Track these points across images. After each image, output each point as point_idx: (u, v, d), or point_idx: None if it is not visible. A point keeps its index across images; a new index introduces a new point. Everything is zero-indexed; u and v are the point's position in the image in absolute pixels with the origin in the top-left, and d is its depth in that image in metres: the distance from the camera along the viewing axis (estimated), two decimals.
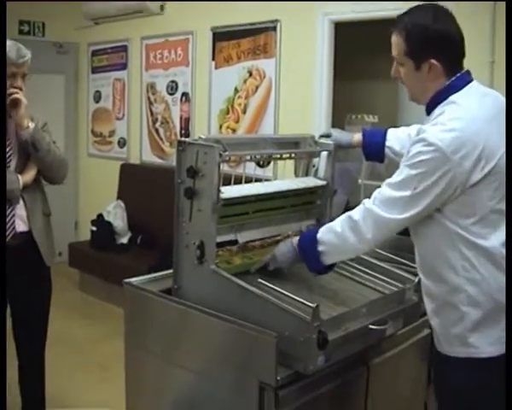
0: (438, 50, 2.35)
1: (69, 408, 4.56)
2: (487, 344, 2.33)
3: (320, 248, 2.55)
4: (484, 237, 2.31)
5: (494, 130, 2.30)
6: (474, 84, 2.42)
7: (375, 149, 3.03)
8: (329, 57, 5.86)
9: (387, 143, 2.99)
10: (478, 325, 2.33)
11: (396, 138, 2.98)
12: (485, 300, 2.31)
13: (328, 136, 3.15)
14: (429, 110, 2.43)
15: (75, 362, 5.40)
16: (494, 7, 4.64)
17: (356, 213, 2.45)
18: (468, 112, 2.30)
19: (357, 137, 3.08)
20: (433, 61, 2.34)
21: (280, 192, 2.97)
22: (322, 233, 2.56)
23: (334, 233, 2.50)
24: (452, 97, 2.35)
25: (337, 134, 3.15)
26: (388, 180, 2.40)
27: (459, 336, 2.36)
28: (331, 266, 2.70)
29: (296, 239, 2.70)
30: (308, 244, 2.60)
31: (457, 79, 2.38)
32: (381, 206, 2.37)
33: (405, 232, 2.54)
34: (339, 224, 2.50)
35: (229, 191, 2.71)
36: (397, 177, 2.36)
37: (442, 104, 2.36)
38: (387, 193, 2.37)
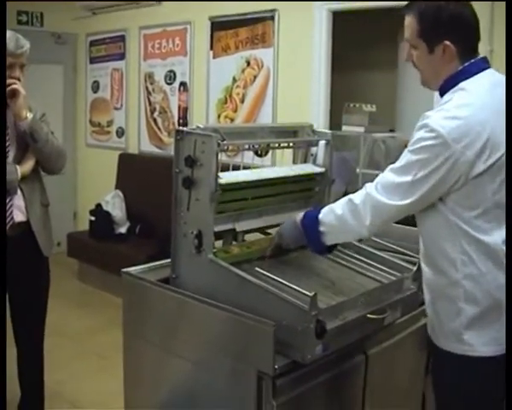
0: (452, 32, 2.29)
1: (68, 400, 4.57)
2: (481, 344, 2.30)
3: (321, 228, 2.55)
4: (487, 233, 2.26)
5: (502, 121, 2.25)
6: (488, 71, 2.36)
7: None
8: (327, 46, 5.85)
9: None
10: (473, 323, 2.29)
11: None
12: (482, 297, 2.28)
13: None
14: (441, 95, 2.38)
15: (73, 352, 5.41)
16: None
17: (357, 197, 2.43)
18: (476, 100, 2.25)
19: None
20: (448, 42, 2.29)
21: (278, 178, 2.96)
22: (324, 214, 2.55)
23: (335, 215, 2.50)
24: (462, 84, 2.30)
25: None
26: (391, 165, 2.37)
27: (454, 332, 2.33)
28: (333, 247, 2.71)
29: (300, 217, 2.69)
30: (310, 224, 2.60)
31: (471, 64, 2.33)
32: (382, 191, 2.35)
33: (410, 223, 2.52)
34: (340, 206, 2.49)
35: (228, 177, 2.71)
36: (399, 162, 2.33)
37: (452, 90, 2.32)
38: (389, 178, 2.35)
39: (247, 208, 2.89)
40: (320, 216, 2.55)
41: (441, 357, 2.43)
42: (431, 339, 2.49)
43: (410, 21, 2.37)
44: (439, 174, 2.22)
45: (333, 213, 2.51)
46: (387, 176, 2.36)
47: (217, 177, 2.58)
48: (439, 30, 2.31)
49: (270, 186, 2.94)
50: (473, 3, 2.38)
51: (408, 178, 2.28)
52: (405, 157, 2.31)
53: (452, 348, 2.35)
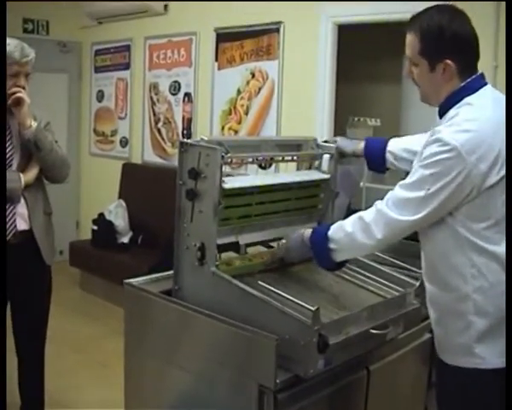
0: (453, 51, 2.31)
1: (69, 408, 4.56)
2: (493, 356, 2.29)
3: (331, 245, 2.54)
4: (496, 243, 2.27)
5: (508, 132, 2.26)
6: (488, 87, 2.39)
7: (376, 155, 2.99)
8: (332, 59, 5.85)
9: (388, 148, 2.95)
10: (484, 336, 2.29)
11: (397, 143, 2.94)
12: (493, 309, 2.28)
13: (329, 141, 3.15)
14: (443, 112, 2.40)
15: (75, 360, 5.41)
16: (498, 11, 4.64)
17: (368, 215, 2.42)
18: (484, 114, 2.27)
19: (361, 145, 3.05)
20: (449, 61, 2.31)
21: (283, 184, 2.95)
22: (333, 231, 2.54)
23: (345, 233, 2.49)
24: (467, 99, 2.32)
25: (342, 142, 3.11)
26: (402, 182, 2.37)
27: (464, 346, 2.32)
28: (342, 263, 2.69)
29: (308, 234, 2.69)
30: (319, 240, 2.59)
31: (473, 81, 2.35)
32: (393, 208, 2.34)
33: (410, 237, 2.51)
34: (350, 224, 2.48)
35: (233, 182, 2.69)
36: (410, 178, 2.33)
37: (457, 106, 2.33)
38: (400, 194, 2.34)
39: (252, 217, 2.87)
40: (329, 233, 2.55)
41: (449, 373, 2.42)
42: (437, 356, 2.48)
43: (411, 39, 2.39)
44: (452, 187, 2.22)
45: (343, 230, 2.50)
46: (398, 192, 2.36)
47: (220, 190, 2.57)
48: (440, 48, 2.33)
49: (275, 192, 2.93)
50: (477, 22, 2.40)
51: (420, 194, 2.27)
52: (417, 172, 2.30)
53: (462, 362, 2.35)
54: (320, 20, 5.83)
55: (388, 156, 2.96)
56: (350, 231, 2.47)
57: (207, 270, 2.61)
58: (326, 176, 3.11)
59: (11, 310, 3.81)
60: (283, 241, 2.90)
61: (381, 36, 6.29)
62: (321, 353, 2.33)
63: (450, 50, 2.31)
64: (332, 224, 2.61)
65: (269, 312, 2.42)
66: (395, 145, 2.94)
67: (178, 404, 2.75)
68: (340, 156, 3.11)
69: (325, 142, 3.16)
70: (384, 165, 2.99)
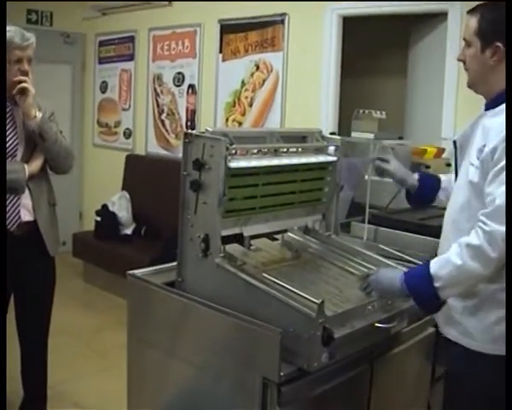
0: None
1: (71, 399, 4.56)
2: None
3: (437, 284, 2.33)
4: None
5: None
6: None
7: (429, 194, 3.02)
8: (337, 52, 5.84)
9: (442, 185, 2.97)
10: None
11: (450, 183, 2.84)
12: None
13: (385, 160, 3.13)
14: (494, 103, 2.38)
15: (77, 352, 5.40)
16: None
17: (474, 239, 2.25)
18: None
19: (415, 179, 3.05)
20: (499, 44, 2.32)
21: (290, 165, 2.91)
22: (438, 268, 2.34)
23: (454, 266, 2.29)
24: None
25: (398, 170, 3.10)
26: (494, 195, 2.25)
27: (503, 335, 2.29)
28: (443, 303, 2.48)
29: (401, 278, 2.47)
30: (421, 283, 2.39)
31: None
32: (499, 221, 2.19)
33: (416, 231, 2.45)
34: (456, 255, 2.29)
35: (238, 162, 2.65)
36: (499, 185, 2.23)
37: None
38: (501, 203, 2.21)
39: (258, 198, 2.82)
40: (433, 271, 2.34)
41: (477, 360, 2.41)
42: (459, 345, 2.47)
43: (471, 21, 2.42)
44: None
45: (450, 264, 2.30)
46: (497, 203, 2.22)
47: (225, 181, 2.56)
48: (495, 30, 2.35)
49: (281, 173, 2.89)
50: None
51: None
52: (501, 174, 2.23)
53: (499, 350, 2.33)
54: (325, 11, 5.82)
55: (441, 194, 2.96)
56: (460, 264, 2.27)
57: (211, 261, 2.59)
58: (333, 158, 3.08)
59: (14, 301, 3.81)
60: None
61: (385, 29, 6.27)
62: (325, 346, 2.31)
63: (503, 34, 2.32)
64: (427, 261, 2.43)
65: (273, 304, 2.41)
66: (448, 184, 2.89)
67: (181, 396, 2.75)
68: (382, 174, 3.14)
69: (332, 133, 3.12)
70: (433, 201, 3.01)
